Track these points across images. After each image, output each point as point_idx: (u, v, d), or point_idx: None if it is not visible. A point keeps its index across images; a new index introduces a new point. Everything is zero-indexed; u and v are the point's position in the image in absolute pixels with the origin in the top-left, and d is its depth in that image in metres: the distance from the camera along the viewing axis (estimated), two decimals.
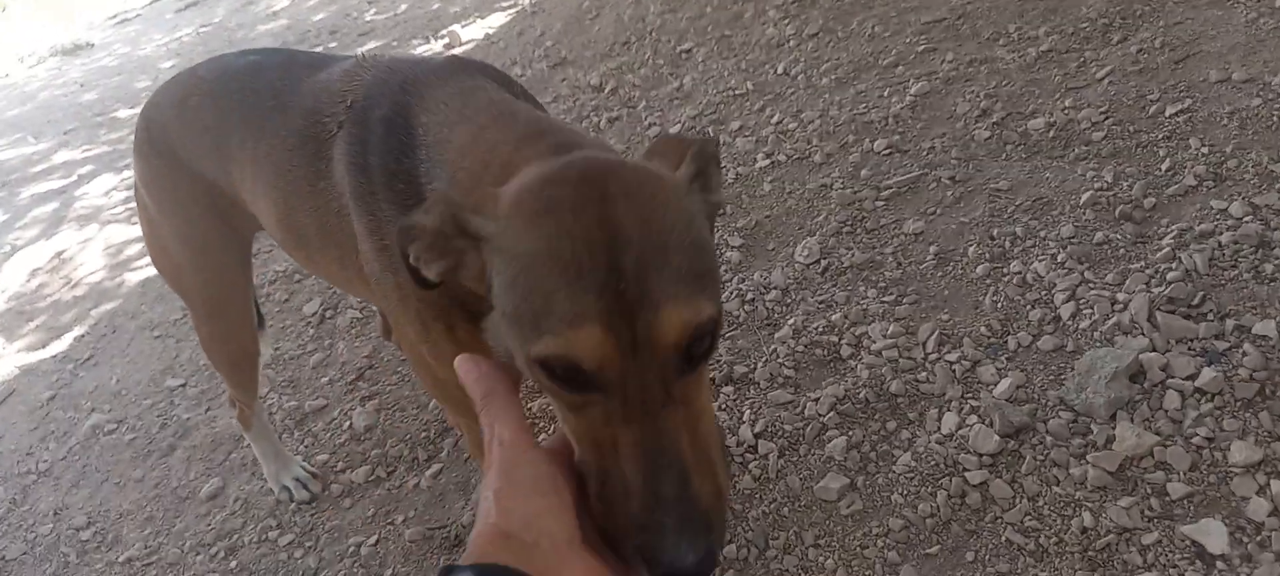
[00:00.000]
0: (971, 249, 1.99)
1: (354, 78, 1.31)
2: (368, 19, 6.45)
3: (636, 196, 0.82)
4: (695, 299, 0.80)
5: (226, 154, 1.52)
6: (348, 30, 6.36)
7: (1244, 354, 1.48)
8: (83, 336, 3.44)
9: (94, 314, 3.59)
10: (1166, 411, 1.49)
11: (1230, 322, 1.55)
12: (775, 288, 2.13)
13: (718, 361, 1.99)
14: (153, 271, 3.71)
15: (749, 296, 2.14)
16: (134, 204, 4.43)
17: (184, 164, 1.62)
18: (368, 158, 1.19)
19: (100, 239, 4.32)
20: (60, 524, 2.38)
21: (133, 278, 3.75)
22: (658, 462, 0.78)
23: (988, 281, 1.89)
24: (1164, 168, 1.98)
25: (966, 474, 1.53)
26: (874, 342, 1.85)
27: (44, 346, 3.48)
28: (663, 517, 0.76)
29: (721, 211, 1.88)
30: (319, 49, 6.13)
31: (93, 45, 10.05)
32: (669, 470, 0.78)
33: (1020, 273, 1.86)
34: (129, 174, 5.10)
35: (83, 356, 3.28)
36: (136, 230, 4.24)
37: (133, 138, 1.75)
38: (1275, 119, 1.98)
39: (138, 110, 6.25)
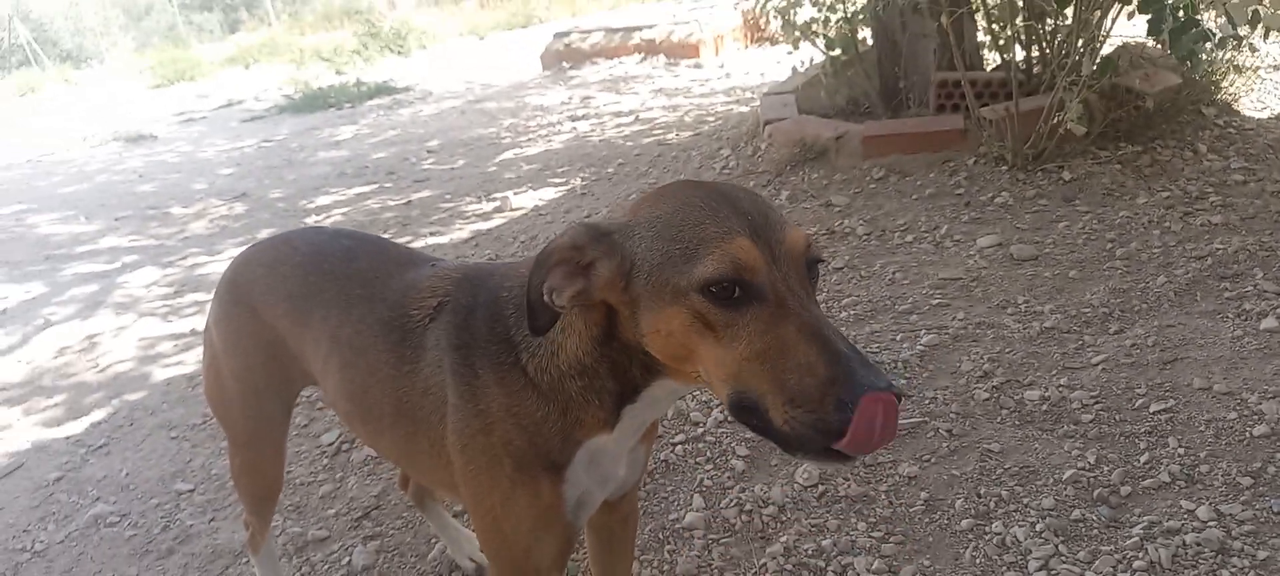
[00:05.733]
0: (959, 502, 2.13)
1: (439, 283, 1.52)
2: (425, 167, 6.83)
3: (725, 183, 1.18)
4: (801, 231, 1.13)
5: (305, 321, 1.70)
6: (404, 174, 6.73)
7: None
8: (99, 423, 3.55)
9: (115, 402, 3.71)
10: None
11: None
12: (773, 503, 2.26)
13: (709, 565, 2.10)
14: (180, 370, 3.87)
15: (748, 507, 2.26)
16: (169, 300, 4.64)
17: (258, 316, 1.79)
18: (469, 335, 1.39)
19: (135, 330, 4.48)
20: None
21: (160, 374, 3.89)
22: (826, 333, 1.02)
23: (970, 536, 2.02)
24: (1142, 460, 2.14)
25: None
26: (858, 574, 1.96)
27: (59, 425, 3.58)
28: (848, 365, 0.99)
29: None
30: (374, 186, 6.49)
31: (155, 137, 10.54)
32: (836, 336, 1.03)
33: (1001, 534, 2.00)
34: (173, 270, 5.34)
35: (96, 443, 3.37)
36: (171, 327, 4.42)
37: (216, 286, 1.92)
38: (1248, 434, 2.16)
39: (191, 210, 6.62)
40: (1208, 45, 3.47)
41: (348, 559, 2.41)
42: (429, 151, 7.37)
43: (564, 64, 10.71)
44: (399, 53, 14.84)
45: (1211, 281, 2.92)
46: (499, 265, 1.51)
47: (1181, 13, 3.21)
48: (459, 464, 1.42)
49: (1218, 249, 3.11)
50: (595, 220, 1.20)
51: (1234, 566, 1.77)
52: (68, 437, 3.46)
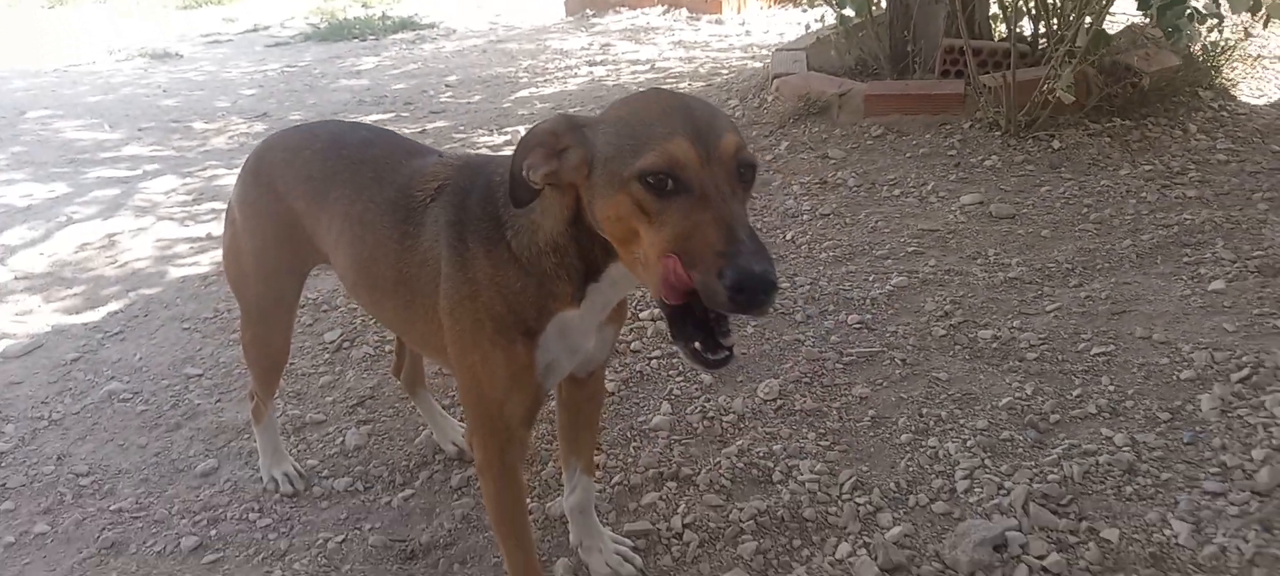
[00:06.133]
0: (902, 420, 2.31)
1: (441, 170, 1.71)
2: (442, 100, 7.00)
3: (692, 95, 1.33)
4: (741, 138, 1.30)
5: (322, 202, 1.88)
6: (421, 105, 6.89)
7: (1088, 549, 1.79)
8: (116, 312, 3.73)
9: (131, 295, 3.89)
10: None
11: (1085, 525, 1.85)
12: (734, 413, 2.44)
13: (669, 460, 2.29)
14: (195, 270, 4.06)
15: (711, 414, 2.45)
16: (187, 207, 4.83)
17: (279, 197, 1.97)
18: (463, 214, 1.58)
19: (153, 232, 4.67)
20: (62, 467, 2.63)
21: (175, 272, 4.09)
22: (734, 221, 1.20)
23: (907, 448, 2.21)
24: (1075, 393, 2.32)
25: None
26: (801, 474, 2.15)
27: (78, 313, 3.77)
28: (740, 246, 1.15)
29: None
30: (391, 115, 6.66)
31: (181, 56, 10.69)
32: (742, 225, 1.20)
33: (935, 448, 2.18)
34: (192, 180, 5.52)
35: (113, 330, 3.56)
36: (188, 231, 4.61)
37: (240, 167, 2.10)
38: (1176, 377, 2.33)
39: (212, 125, 6.81)
40: (1199, 27, 3.57)
41: (341, 439, 2.60)
42: (447, 86, 7.52)
43: (588, 11, 10.77)
44: None
45: (1174, 247, 3.07)
46: (495, 156, 1.69)
47: None
48: (448, 325, 1.61)
49: (1187, 219, 3.25)
50: (574, 113, 1.37)
51: (1138, 484, 1.95)
52: (85, 324, 3.65)
